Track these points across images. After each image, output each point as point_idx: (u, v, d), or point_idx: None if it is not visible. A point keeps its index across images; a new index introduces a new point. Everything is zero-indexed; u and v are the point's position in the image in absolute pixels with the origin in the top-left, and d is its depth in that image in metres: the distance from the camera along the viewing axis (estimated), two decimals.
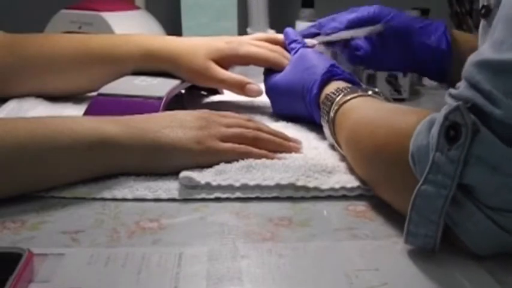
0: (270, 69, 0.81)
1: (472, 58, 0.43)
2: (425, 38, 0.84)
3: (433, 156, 0.42)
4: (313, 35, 0.87)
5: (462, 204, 0.42)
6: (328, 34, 0.86)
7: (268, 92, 0.81)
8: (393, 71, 0.90)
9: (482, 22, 0.56)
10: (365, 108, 0.59)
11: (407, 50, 0.85)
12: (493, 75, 0.40)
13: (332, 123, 0.63)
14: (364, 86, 0.65)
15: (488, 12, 0.54)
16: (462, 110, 0.40)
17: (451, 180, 0.41)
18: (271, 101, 0.81)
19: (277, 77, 0.79)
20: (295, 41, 0.82)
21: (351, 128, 0.58)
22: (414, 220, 0.43)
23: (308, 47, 0.82)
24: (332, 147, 0.66)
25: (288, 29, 0.85)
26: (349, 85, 0.66)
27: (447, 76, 0.85)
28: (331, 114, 0.63)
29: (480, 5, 0.56)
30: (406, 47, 0.85)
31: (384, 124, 0.52)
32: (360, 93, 0.62)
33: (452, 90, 0.44)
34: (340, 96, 0.63)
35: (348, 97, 0.62)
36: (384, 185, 0.52)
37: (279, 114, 0.80)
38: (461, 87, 0.43)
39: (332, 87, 0.67)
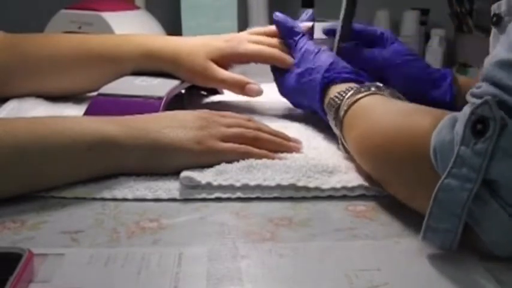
0: (278, 70, 0.80)
1: (489, 60, 0.44)
2: (432, 88, 0.80)
3: (458, 150, 0.42)
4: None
5: (486, 202, 0.41)
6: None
7: (283, 95, 0.81)
8: None
9: (494, 30, 0.57)
10: (376, 107, 0.59)
11: (411, 93, 0.81)
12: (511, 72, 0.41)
13: (340, 127, 0.62)
14: (366, 83, 0.64)
15: (499, 21, 0.55)
16: (491, 103, 0.41)
17: (476, 174, 0.41)
18: (290, 102, 0.81)
19: (286, 79, 0.78)
20: (291, 31, 0.80)
21: (362, 128, 0.57)
22: (435, 214, 0.43)
23: (304, 34, 0.80)
24: (337, 147, 0.66)
25: (280, 17, 0.82)
26: (351, 86, 0.65)
27: None
28: (338, 119, 0.62)
29: (492, 13, 0.56)
30: (410, 91, 0.80)
31: (398, 123, 0.52)
32: (364, 94, 0.61)
33: (474, 90, 0.44)
34: (344, 99, 0.62)
35: (354, 98, 0.61)
36: (394, 181, 0.52)
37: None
38: (484, 86, 0.43)
39: (335, 90, 0.66)
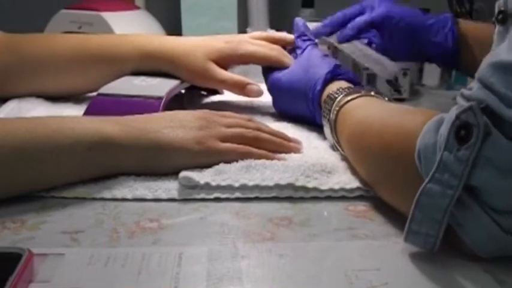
0: (270, 67, 0.81)
1: (487, 59, 0.43)
2: (432, 36, 0.85)
3: (441, 155, 0.41)
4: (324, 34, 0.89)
5: (468, 206, 0.41)
6: (341, 42, 0.88)
7: (270, 89, 0.80)
8: (404, 61, 0.92)
9: (498, 28, 0.54)
10: (370, 108, 0.59)
11: (415, 47, 0.86)
12: (508, 77, 0.40)
13: (334, 122, 0.63)
14: (366, 87, 0.65)
15: (505, 19, 0.52)
16: (475, 110, 0.40)
17: (458, 180, 0.41)
18: (273, 98, 0.81)
19: (281, 74, 0.78)
20: (304, 35, 0.81)
21: (355, 126, 0.58)
22: (417, 218, 0.43)
23: (316, 44, 0.81)
24: (332, 147, 0.66)
25: (299, 20, 0.84)
26: (351, 85, 0.66)
27: (455, 65, 0.87)
28: (333, 112, 0.63)
29: (496, 10, 0.53)
30: (414, 44, 0.86)
31: (391, 123, 0.52)
32: (362, 93, 0.62)
33: (464, 91, 0.43)
34: (342, 95, 0.63)
35: (351, 96, 0.62)
36: (385, 184, 0.52)
37: (280, 113, 0.79)
38: (475, 88, 0.42)
39: (334, 86, 0.67)
